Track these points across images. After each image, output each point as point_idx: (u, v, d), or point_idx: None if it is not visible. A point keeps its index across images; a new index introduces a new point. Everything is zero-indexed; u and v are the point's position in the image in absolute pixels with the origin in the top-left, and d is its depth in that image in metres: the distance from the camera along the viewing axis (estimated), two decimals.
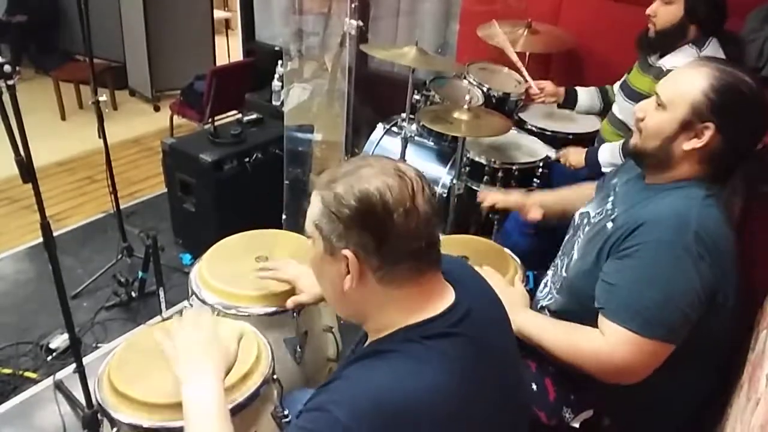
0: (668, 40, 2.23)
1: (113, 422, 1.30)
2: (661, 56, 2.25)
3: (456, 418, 0.93)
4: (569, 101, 2.74)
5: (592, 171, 2.30)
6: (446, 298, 1.03)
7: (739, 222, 1.79)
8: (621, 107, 2.39)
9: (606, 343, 1.27)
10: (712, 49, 2.16)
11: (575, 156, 2.43)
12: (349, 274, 0.99)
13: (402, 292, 1.00)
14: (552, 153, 2.59)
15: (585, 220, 1.57)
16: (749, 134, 1.31)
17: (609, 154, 2.28)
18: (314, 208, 1.01)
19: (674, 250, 1.23)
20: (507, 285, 1.63)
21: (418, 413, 0.90)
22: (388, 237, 0.96)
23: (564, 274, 1.53)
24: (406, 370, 0.94)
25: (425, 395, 0.91)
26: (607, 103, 2.66)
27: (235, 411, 1.27)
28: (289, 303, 1.58)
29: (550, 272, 1.65)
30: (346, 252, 0.97)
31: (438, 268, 1.04)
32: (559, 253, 1.64)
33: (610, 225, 1.39)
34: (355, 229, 0.96)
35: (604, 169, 2.26)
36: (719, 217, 1.28)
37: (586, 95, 2.73)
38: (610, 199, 1.51)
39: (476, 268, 1.65)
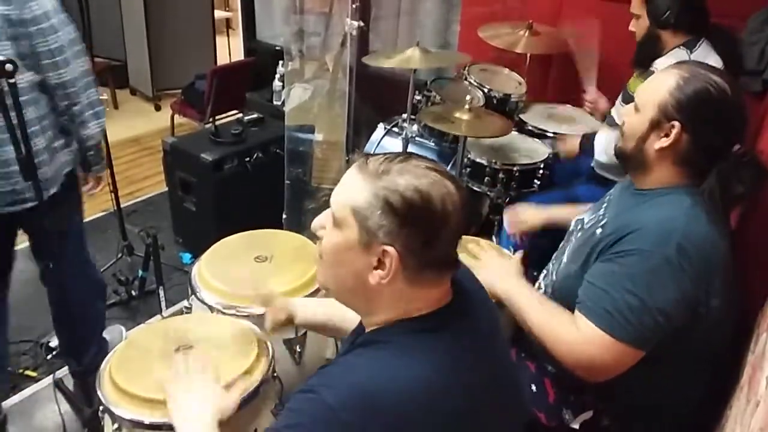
0: (646, 52, 2.24)
1: (114, 418, 1.30)
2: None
3: (442, 411, 0.94)
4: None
5: (587, 157, 2.31)
6: (445, 294, 1.04)
7: (739, 224, 1.79)
8: (618, 111, 2.40)
9: (580, 339, 1.29)
10: (703, 49, 2.14)
11: (570, 142, 2.42)
12: (378, 269, 0.96)
13: (421, 291, 0.99)
14: (548, 149, 2.57)
15: (579, 226, 1.58)
16: (717, 134, 1.31)
17: (605, 140, 2.24)
18: (358, 194, 0.96)
19: (656, 260, 1.24)
20: (502, 255, 1.70)
21: (404, 403, 0.90)
22: (435, 242, 0.94)
23: (554, 277, 1.55)
24: (396, 361, 0.95)
25: (413, 386, 0.91)
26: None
27: (236, 409, 1.28)
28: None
29: (542, 275, 1.66)
30: (389, 249, 0.94)
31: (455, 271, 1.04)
32: (553, 258, 1.65)
33: (599, 231, 1.41)
34: (409, 227, 0.93)
35: (597, 156, 2.25)
36: (706, 225, 1.28)
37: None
38: (604, 206, 1.53)
39: (474, 246, 1.68)
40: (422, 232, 0.93)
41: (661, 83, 1.33)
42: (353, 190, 0.97)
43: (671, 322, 1.25)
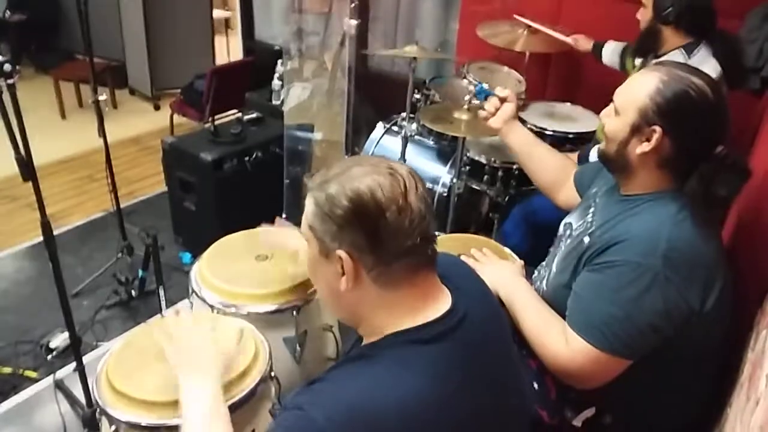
0: (644, 44, 2.24)
1: (111, 420, 1.30)
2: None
3: (436, 426, 0.93)
4: (595, 56, 2.78)
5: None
6: (442, 302, 1.03)
7: (736, 221, 1.79)
8: None
9: (566, 350, 1.31)
10: (703, 54, 2.13)
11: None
12: (344, 275, 0.98)
13: (398, 293, 1.00)
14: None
15: (568, 232, 1.58)
16: (699, 137, 1.30)
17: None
18: (308, 210, 1.02)
19: (641, 272, 1.24)
20: (504, 257, 1.75)
21: (394, 418, 0.89)
22: (381, 235, 0.95)
23: (544, 287, 1.55)
24: (387, 377, 0.94)
25: (403, 403, 0.91)
26: (622, 64, 2.63)
27: (233, 408, 1.28)
28: None
29: (534, 276, 1.66)
30: (340, 252, 0.97)
31: (434, 268, 1.04)
32: (544, 262, 1.65)
33: (586, 240, 1.41)
34: (348, 228, 0.96)
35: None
36: (694, 231, 1.27)
37: (608, 55, 2.72)
38: (591, 210, 1.52)
39: (476, 251, 1.68)
40: (361, 228, 0.95)
41: (640, 86, 1.32)
42: (307, 207, 1.03)
43: (659, 333, 1.25)
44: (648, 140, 1.31)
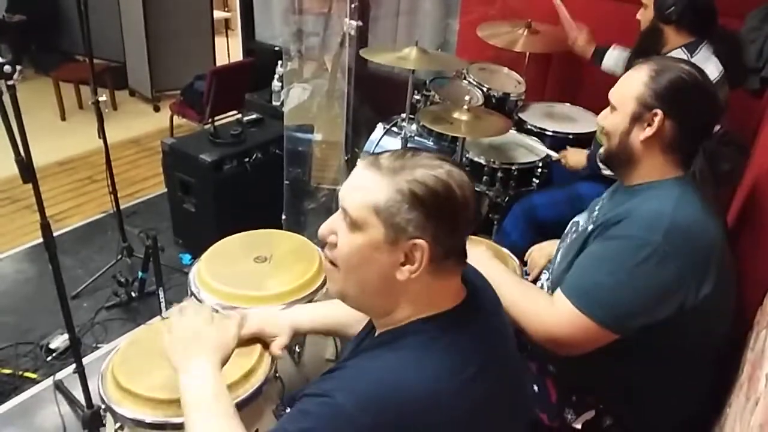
0: (646, 44, 2.24)
1: (116, 417, 1.30)
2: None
3: (459, 410, 0.93)
4: (595, 60, 2.67)
5: (592, 171, 2.30)
6: (460, 292, 1.03)
7: (738, 220, 1.79)
8: None
9: (552, 311, 1.31)
10: (704, 53, 2.13)
11: (575, 156, 2.44)
12: (406, 265, 0.95)
13: (442, 283, 0.99)
14: (553, 154, 2.59)
15: (574, 228, 1.59)
16: (698, 117, 1.35)
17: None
18: (378, 192, 0.94)
19: (640, 247, 1.24)
20: (500, 255, 1.76)
21: (419, 404, 0.89)
22: (460, 226, 0.97)
23: (550, 283, 1.56)
24: (413, 362, 0.93)
25: (426, 387, 0.91)
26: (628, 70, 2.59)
27: (238, 408, 1.27)
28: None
29: (544, 276, 1.66)
30: (420, 242, 0.93)
31: None
32: (552, 260, 1.65)
33: (590, 227, 1.42)
34: (436, 217, 0.93)
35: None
36: (696, 211, 1.29)
37: (612, 60, 2.62)
38: (597, 207, 1.54)
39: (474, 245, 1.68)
40: (448, 221, 0.95)
41: (633, 79, 1.37)
42: (371, 190, 0.95)
43: (650, 311, 1.25)
44: (650, 125, 1.34)
